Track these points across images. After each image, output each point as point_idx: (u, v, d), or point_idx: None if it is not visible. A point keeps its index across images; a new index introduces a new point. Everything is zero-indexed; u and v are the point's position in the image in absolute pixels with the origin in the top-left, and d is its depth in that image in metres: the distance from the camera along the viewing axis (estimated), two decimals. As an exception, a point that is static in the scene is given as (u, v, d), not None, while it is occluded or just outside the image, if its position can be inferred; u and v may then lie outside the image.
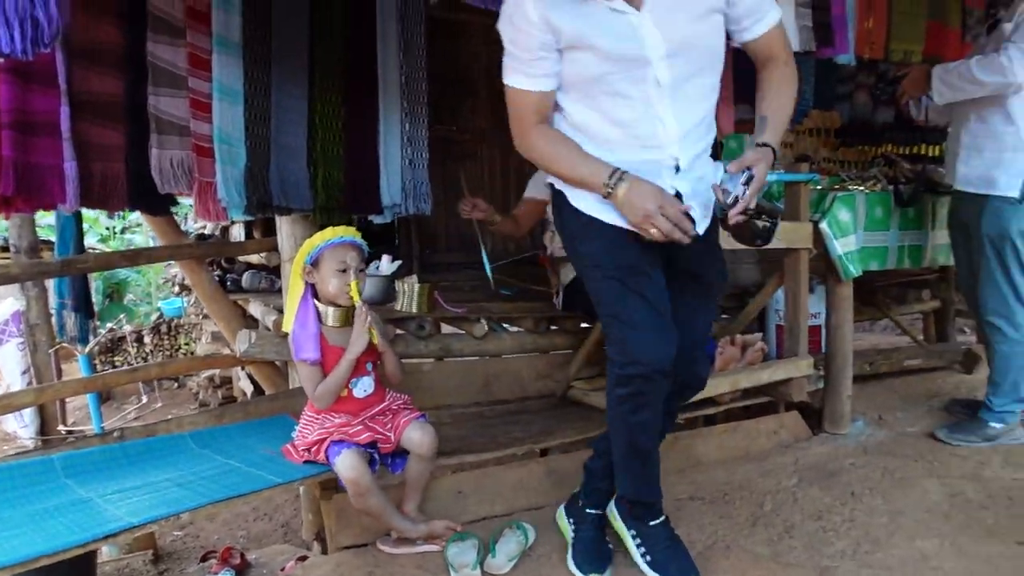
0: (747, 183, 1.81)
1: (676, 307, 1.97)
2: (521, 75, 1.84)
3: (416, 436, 2.24)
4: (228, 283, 4.04)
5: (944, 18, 4.15)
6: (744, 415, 3.08)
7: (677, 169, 1.89)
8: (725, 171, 1.88)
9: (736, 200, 1.80)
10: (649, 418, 1.96)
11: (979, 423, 2.98)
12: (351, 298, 2.17)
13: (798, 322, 3.10)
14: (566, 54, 1.82)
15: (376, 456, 2.24)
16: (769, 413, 3.15)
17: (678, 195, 1.89)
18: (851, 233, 3.11)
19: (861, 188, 3.33)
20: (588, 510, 2.22)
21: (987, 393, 3.02)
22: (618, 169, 1.82)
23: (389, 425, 2.25)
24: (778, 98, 1.95)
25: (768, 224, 1.93)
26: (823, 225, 3.03)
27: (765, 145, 1.88)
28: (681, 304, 1.99)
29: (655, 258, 1.94)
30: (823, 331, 3.34)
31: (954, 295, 4.22)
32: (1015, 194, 2.80)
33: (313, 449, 2.17)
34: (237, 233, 4.52)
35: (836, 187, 3.33)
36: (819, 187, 3.28)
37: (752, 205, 1.85)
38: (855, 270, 3.11)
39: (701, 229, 1.93)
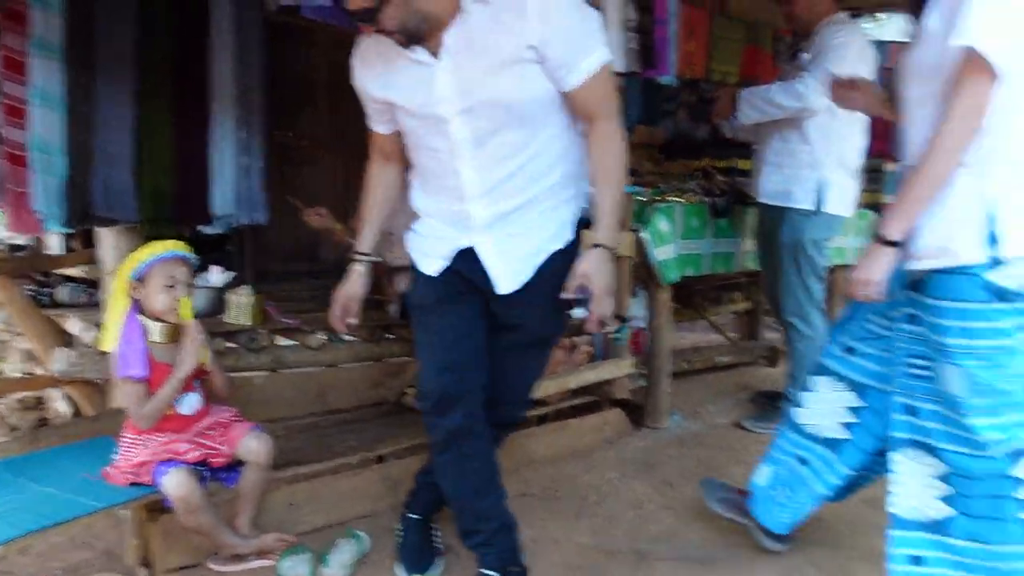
0: (585, 302, 1.79)
1: (494, 353, 2.03)
2: (368, 116, 2.03)
3: (253, 445, 2.21)
4: (43, 297, 3.80)
5: (759, 43, 4.52)
6: (572, 414, 3.24)
7: (476, 227, 1.91)
8: (562, 293, 1.82)
9: (585, 320, 1.81)
10: (443, 453, 2.03)
11: (780, 412, 3.29)
12: (179, 314, 2.13)
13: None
14: (393, 109, 1.93)
15: (206, 472, 2.21)
16: (595, 411, 3.33)
17: (470, 250, 1.92)
18: (670, 242, 3.35)
19: (680, 200, 3.58)
20: (409, 515, 2.29)
21: (786, 385, 3.34)
22: (360, 254, 2.09)
23: (221, 439, 2.22)
24: (606, 176, 1.85)
25: (617, 326, 1.99)
26: (643, 234, 3.24)
27: (599, 247, 1.81)
28: (497, 351, 2.04)
29: (461, 298, 1.98)
30: (644, 333, 3.57)
31: (762, 297, 4.60)
32: (809, 207, 3.10)
33: (138, 471, 2.11)
34: (55, 244, 4.25)
35: (657, 199, 3.56)
36: (642, 199, 3.50)
37: (606, 313, 1.81)
38: (673, 276, 3.36)
39: (509, 287, 1.92)
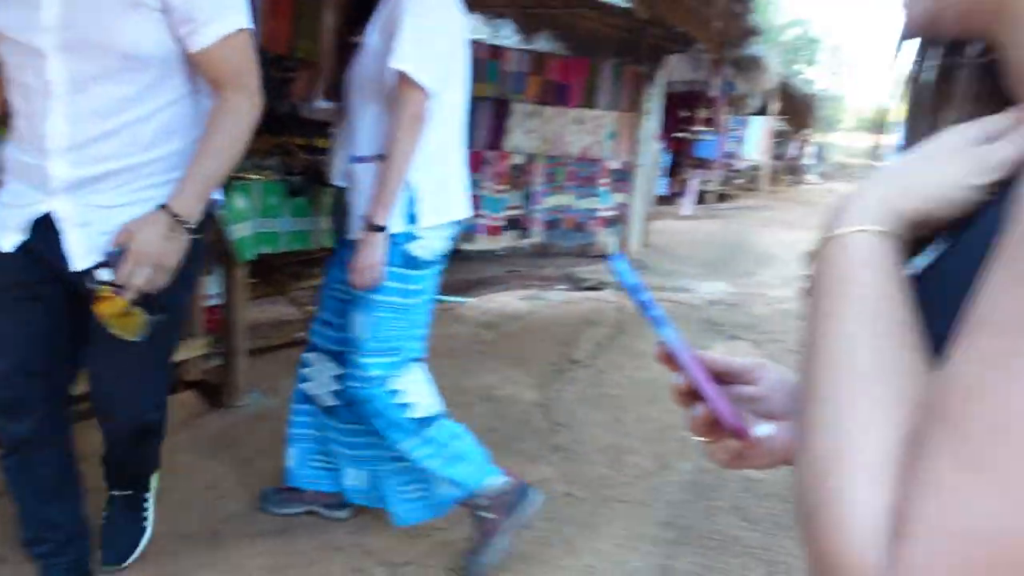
0: (115, 263, 1.57)
1: (96, 350, 1.83)
2: None
3: None
4: None
5: (343, 26, 4.64)
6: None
7: (53, 188, 1.67)
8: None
9: (98, 283, 1.56)
10: (8, 456, 1.85)
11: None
12: None
13: (194, 304, 3.22)
14: None
15: None
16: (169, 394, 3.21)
17: (48, 220, 1.68)
18: (247, 219, 3.34)
19: (258, 177, 3.58)
20: None
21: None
22: None
23: None
24: (207, 146, 1.69)
25: (152, 320, 1.62)
26: (220, 212, 3.19)
27: (163, 208, 1.63)
28: (99, 346, 1.80)
29: (40, 289, 1.76)
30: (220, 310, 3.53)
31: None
32: None
33: None
34: None
35: (236, 176, 3.51)
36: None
37: (134, 283, 1.57)
38: (249, 253, 3.36)
39: (84, 263, 1.68)
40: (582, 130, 5.97)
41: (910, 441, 0.40)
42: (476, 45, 5.76)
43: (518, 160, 5.68)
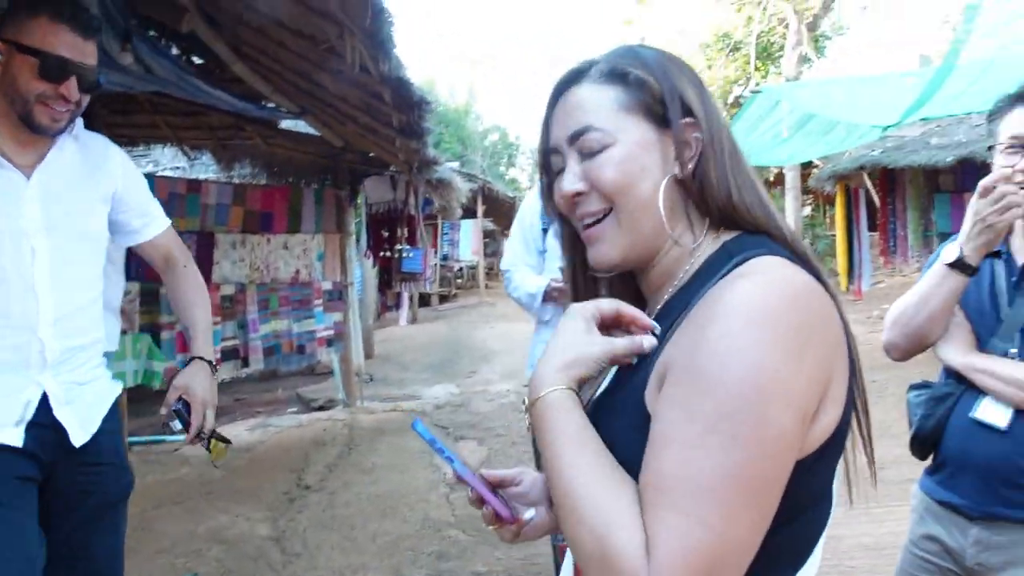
0: (183, 414, 1.83)
1: (68, 538, 1.78)
2: None
3: None
4: None
5: None
6: None
7: (46, 361, 1.73)
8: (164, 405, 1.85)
9: (184, 429, 1.83)
10: None
11: None
12: None
13: None
14: None
15: None
16: None
17: (45, 397, 1.72)
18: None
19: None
20: None
21: None
22: None
23: None
24: (198, 305, 2.05)
25: (222, 443, 1.94)
26: None
27: (198, 359, 1.92)
28: (75, 531, 1.79)
29: (27, 487, 1.69)
30: None
31: None
32: None
33: None
34: None
35: None
36: None
37: (207, 428, 1.86)
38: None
39: (82, 437, 1.79)
40: (290, 255, 6.09)
41: (643, 499, 0.75)
42: (175, 180, 5.76)
43: (228, 291, 5.66)
